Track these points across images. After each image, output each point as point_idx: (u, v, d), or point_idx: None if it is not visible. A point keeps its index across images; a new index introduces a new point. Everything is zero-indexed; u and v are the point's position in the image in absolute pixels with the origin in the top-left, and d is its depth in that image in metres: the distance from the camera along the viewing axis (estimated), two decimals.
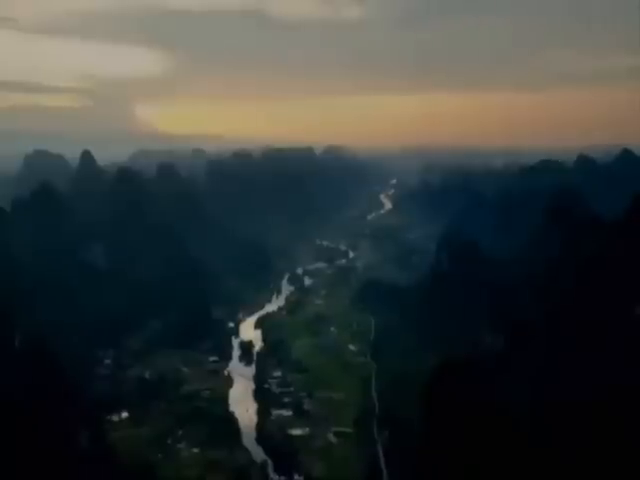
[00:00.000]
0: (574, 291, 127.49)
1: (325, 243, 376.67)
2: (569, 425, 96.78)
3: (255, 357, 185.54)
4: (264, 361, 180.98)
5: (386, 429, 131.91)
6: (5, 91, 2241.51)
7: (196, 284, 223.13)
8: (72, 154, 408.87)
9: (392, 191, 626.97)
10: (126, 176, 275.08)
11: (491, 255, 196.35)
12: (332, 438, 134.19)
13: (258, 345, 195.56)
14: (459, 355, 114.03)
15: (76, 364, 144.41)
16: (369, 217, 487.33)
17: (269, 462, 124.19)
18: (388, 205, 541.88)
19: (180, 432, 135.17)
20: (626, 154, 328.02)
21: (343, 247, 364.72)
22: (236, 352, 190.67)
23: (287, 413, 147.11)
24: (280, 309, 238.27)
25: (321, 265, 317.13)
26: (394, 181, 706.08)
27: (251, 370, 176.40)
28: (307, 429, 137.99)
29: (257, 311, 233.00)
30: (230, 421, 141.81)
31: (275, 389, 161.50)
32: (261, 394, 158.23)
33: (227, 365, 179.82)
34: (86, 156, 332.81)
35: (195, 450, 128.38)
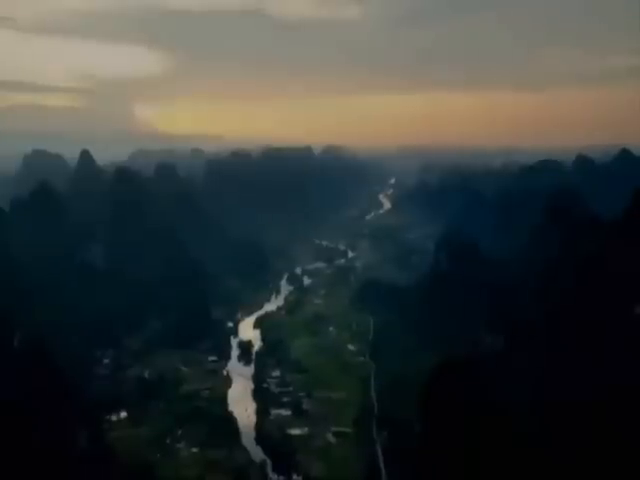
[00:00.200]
0: (573, 291, 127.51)
1: (324, 243, 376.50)
2: (568, 425, 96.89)
3: (254, 357, 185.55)
4: (263, 361, 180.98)
5: (385, 429, 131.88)
6: (4, 91, 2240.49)
7: (195, 284, 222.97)
8: (71, 154, 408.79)
9: (391, 191, 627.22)
10: (125, 176, 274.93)
11: (490, 255, 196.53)
12: (331, 438, 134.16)
13: (257, 345, 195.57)
14: (458, 355, 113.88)
15: (75, 364, 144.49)
16: (368, 217, 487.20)
17: (268, 462, 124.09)
18: (387, 205, 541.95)
19: (179, 432, 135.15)
20: (625, 154, 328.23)
21: (342, 247, 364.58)
22: (235, 352, 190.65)
23: (286, 413, 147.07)
24: (279, 309, 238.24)
25: (320, 265, 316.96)
26: (393, 181, 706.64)
27: (250, 370, 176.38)
28: (306, 429, 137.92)
29: (256, 311, 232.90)
30: (229, 421, 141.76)
31: (274, 389, 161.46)
32: (260, 394, 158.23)
33: (226, 365, 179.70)
34: (85, 156, 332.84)
35: (194, 450, 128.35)
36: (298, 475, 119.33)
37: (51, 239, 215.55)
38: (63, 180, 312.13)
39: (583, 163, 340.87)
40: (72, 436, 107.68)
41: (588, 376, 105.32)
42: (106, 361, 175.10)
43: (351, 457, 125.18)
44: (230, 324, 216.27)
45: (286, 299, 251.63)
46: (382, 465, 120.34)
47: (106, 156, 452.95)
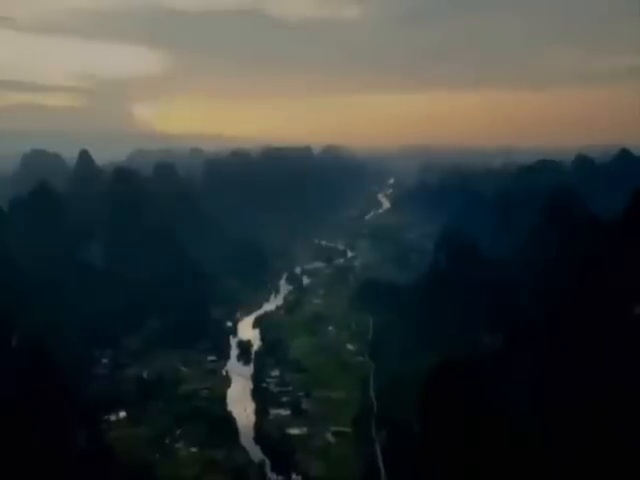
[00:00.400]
0: (572, 291, 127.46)
1: (323, 242, 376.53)
2: (567, 425, 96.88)
3: (253, 356, 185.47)
4: (262, 360, 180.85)
5: (384, 429, 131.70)
6: (2, 90, 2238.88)
7: (194, 284, 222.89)
8: (70, 153, 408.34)
9: (390, 191, 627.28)
10: (124, 176, 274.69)
11: (489, 255, 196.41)
12: (330, 437, 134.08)
13: (256, 344, 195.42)
14: (458, 355, 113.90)
15: (74, 364, 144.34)
16: (367, 217, 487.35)
17: (267, 461, 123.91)
18: (386, 205, 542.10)
19: (178, 432, 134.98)
20: (624, 154, 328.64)
21: (341, 246, 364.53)
22: (234, 351, 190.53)
23: (285, 412, 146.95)
24: (278, 308, 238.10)
25: (319, 265, 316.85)
26: (392, 181, 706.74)
27: (249, 369, 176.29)
28: (305, 428, 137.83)
29: (255, 310, 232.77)
30: (228, 420, 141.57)
31: (273, 388, 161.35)
32: (259, 393, 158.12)
33: (225, 365, 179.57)
34: (84, 155, 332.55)
35: (193, 449, 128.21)
36: (297, 475, 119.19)
37: (50, 239, 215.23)
38: (62, 180, 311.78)
39: (583, 163, 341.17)
40: (71, 436, 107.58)
41: (587, 376, 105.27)
42: (105, 361, 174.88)
43: (350, 457, 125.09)
44: (229, 324, 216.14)
45: (285, 299, 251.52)
46: (381, 465, 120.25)
47: (105, 156, 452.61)
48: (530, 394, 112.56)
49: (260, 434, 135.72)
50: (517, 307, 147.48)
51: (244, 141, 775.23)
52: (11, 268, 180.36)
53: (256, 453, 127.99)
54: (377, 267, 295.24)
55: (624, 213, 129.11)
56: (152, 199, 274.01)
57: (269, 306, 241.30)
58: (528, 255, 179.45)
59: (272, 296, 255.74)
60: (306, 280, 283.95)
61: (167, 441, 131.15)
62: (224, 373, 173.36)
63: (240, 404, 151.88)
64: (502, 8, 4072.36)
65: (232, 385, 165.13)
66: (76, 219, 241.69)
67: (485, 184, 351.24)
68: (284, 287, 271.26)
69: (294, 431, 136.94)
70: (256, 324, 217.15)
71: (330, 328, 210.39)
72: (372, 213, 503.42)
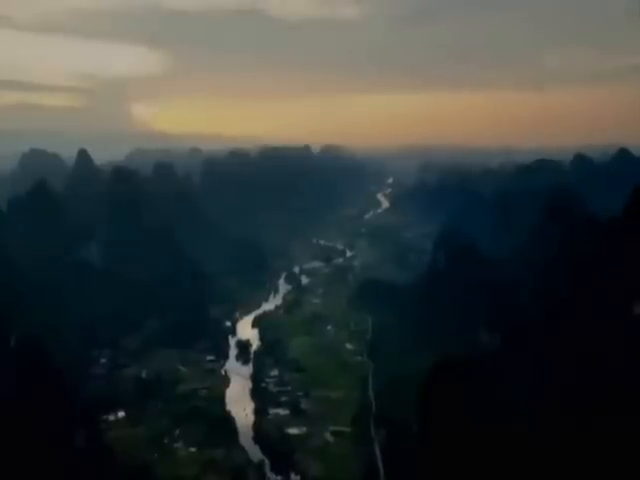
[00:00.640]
0: (572, 290, 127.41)
1: (322, 242, 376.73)
2: (567, 425, 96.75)
3: (252, 356, 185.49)
4: (261, 360, 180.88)
5: (383, 428, 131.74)
6: (2, 90, 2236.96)
7: (193, 283, 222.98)
8: (69, 153, 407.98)
9: (389, 190, 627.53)
10: (123, 175, 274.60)
11: (489, 254, 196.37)
12: (329, 437, 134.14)
13: (255, 344, 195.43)
14: (456, 354, 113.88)
15: (72, 364, 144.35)
16: (366, 216, 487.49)
17: (266, 461, 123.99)
18: (385, 204, 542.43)
19: (177, 431, 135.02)
20: (623, 154, 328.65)
21: (340, 246, 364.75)
22: (233, 351, 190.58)
23: (284, 412, 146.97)
24: (277, 308, 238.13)
25: (318, 264, 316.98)
26: (391, 180, 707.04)
27: (248, 369, 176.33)
28: (304, 428, 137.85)
29: (254, 310, 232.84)
30: (227, 420, 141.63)
31: (272, 388, 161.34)
32: (258, 393, 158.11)
33: (224, 364, 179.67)
34: (82, 155, 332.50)
35: (192, 449, 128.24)
36: (296, 474, 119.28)
37: (48, 238, 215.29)
38: (60, 179, 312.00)
39: (582, 163, 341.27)
40: (70, 436, 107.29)
41: (587, 376, 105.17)
42: (104, 361, 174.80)
43: (349, 456, 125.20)
44: (228, 323, 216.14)
45: (284, 298, 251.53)
46: (380, 464, 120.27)
47: (104, 155, 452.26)
48: (529, 394, 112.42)
49: (259, 434, 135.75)
50: (516, 307, 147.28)
51: (243, 141, 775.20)
52: (10, 268, 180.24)
53: (255, 453, 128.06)
54: (376, 267, 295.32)
55: (624, 210, 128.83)
56: (151, 199, 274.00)
57: (268, 306, 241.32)
58: (527, 255, 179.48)
59: (271, 296, 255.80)
60: (305, 280, 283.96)
61: (166, 441, 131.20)
62: (223, 373, 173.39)
63: (239, 404, 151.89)
64: (503, 8, 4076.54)
65: (231, 385, 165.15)
66: (75, 219, 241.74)
67: (484, 184, 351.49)
68: (283, 287, 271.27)
69: (293, 431, 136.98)
70: (255, 324, 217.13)
71: (329, 328, 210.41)
72: (371, 213, 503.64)
